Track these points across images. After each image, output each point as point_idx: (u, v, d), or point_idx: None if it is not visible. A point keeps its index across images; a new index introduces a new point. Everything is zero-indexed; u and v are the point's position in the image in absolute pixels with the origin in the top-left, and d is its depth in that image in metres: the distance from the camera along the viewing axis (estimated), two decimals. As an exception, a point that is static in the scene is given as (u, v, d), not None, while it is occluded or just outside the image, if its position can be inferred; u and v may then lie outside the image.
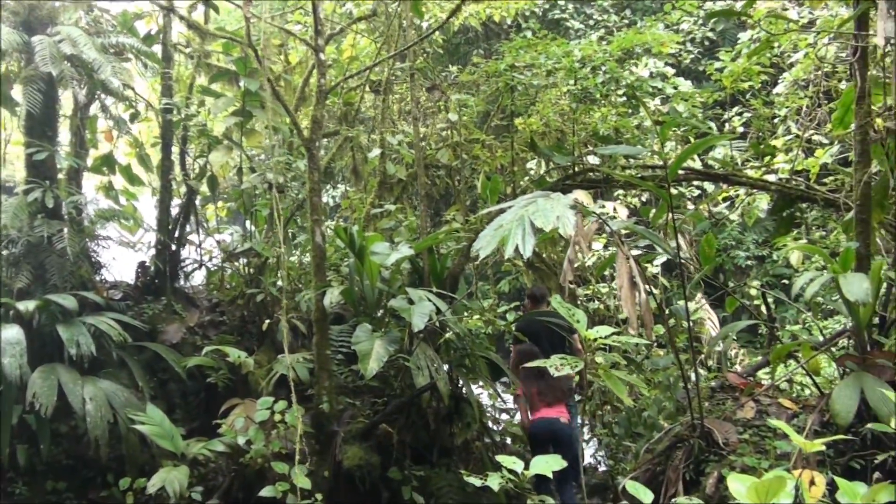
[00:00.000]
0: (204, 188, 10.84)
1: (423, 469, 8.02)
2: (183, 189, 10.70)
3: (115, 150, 10.84)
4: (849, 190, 7.80)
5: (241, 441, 7.53)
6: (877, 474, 5.03)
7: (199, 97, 11.09)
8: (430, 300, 7.80)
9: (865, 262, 6.21)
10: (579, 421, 8.40)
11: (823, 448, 5.25)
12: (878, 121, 7.21)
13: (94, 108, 9.95)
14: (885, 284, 6.25)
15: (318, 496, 6.77)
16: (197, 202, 10.84)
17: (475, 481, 4.76)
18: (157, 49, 10.42)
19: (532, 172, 11.80)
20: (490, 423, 9.92)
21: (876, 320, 6.48)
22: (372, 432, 8.02)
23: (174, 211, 10.55)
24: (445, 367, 8.32)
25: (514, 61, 10.44)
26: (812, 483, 4.11)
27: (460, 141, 11.27)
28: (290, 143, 10.89)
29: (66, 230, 8.69)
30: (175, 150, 10.69)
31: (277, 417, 7.37)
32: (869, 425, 5.29)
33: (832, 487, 4.24)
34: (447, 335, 8.25)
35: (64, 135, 9.89)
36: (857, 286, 5.57)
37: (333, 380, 8.23)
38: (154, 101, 10.91)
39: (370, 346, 7.54)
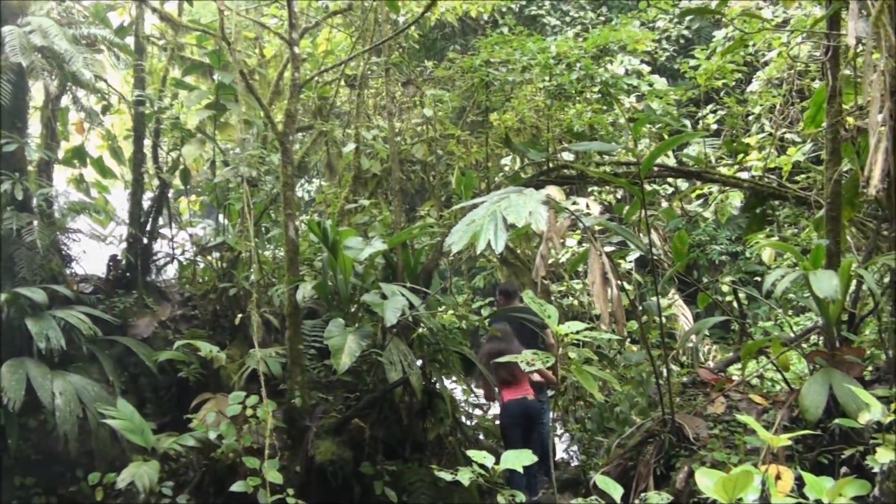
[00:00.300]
0: (177, 181, 10.75)
1: (396, 464, 8.02)
2: (155, 182, 10.62)
3: (87, 143, 10.74)
4: (820, 188, 7.85)
5: (212, 436, 7.48)
6: (844, 469, 5.07)
7: (172, 90, 10.99)
8: (403, 295, 7.79)
9: (835, 259, 6.27)
10: (551, 416, 8.43)
11: (791, 443, 5.32)
12: (849, 119, 7.27)
13: (66, 100, 9.82)
14: (854, 282, 6.30)
15: (290, 491, 6.73)
16: (169, 195, 10.75)
17: (446, 476, 4.76)
18: (130, 41, 10.32)
19: (507, 168, 11.81)
20: (463, 419, 9.92)
21: (845, 317, 6.54)
22: (344, 427, 8.00)
23: (146, 204, 10.46)
24: (419, 362, 8.32)
25: (490, 57, 10.44)
26: (779, 478, 4.14)
27: (435, 136, 11.26)
28: (264, 137, 10.83)
29: (35, 223, 8.59)
30: (148, 142, 10.59)
31: (249, 412, 7.32)
32: (837, 420, 5.34)
33: (801, 482, 4.28)
34: (420, 330, 8.24)
35: (34, 126, 9.79)
36: (826, 283, 5.61)
37: (306, 374, 8.21)
38: (126, 93, 10.81)
39: (343, 340, 7.52)
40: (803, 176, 9.63)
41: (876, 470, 4.69)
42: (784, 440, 4.63)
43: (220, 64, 10.25)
